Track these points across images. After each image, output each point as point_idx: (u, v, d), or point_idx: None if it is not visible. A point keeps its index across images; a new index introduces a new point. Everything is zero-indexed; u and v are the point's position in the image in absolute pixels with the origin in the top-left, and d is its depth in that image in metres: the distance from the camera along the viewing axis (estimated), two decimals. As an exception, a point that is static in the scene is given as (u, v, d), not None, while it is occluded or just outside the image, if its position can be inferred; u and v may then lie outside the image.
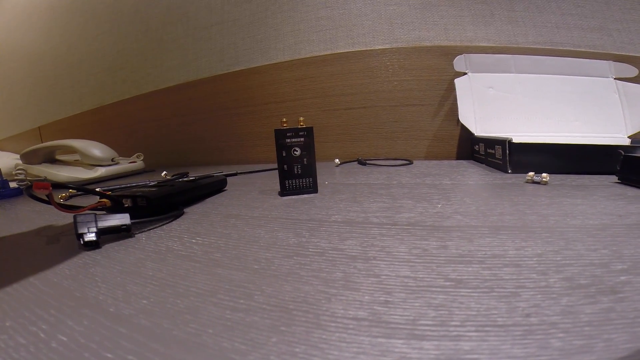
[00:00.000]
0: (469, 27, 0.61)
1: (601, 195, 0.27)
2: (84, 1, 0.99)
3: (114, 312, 0.13)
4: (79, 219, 0.21)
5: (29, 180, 0.24)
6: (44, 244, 0.24)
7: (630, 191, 0.28)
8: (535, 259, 0.15)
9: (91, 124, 1.02)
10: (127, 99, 0.93)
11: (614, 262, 0.15)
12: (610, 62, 0.56)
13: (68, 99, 1.08)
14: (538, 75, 0.57)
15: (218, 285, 0.15)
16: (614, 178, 0.32)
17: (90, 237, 0.21)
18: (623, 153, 0.31)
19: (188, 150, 0.86)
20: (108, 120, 0.98)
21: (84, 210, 0.25)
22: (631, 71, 0.55)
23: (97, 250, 0.21)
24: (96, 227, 0.22)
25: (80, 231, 0.21)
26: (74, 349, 0.11)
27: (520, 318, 0.11)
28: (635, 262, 0.14)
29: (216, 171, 0.55)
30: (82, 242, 0.21)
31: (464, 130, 0.58)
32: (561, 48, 0.58)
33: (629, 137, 0.52)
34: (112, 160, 0.65)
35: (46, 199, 0.23)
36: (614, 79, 0.55)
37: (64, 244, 0.23)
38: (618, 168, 0.31)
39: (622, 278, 0.13)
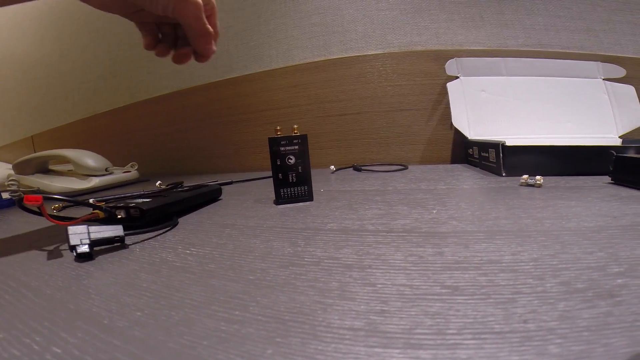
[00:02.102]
0: (459, 30, 0.61)
1: (595, 196, 0.27)
2: (76, 8, 0.99)
3: (108, 324, 0.13)
4: (71, 230, 0.21)
5: (22, 192, 0.24)
6: (36, 256, 0.23)
7: (624, 191, 0.28)
8: (531, 264, 0.15)
9: (84, 133, 1.01)
10: (121, 107, 0.92)
11: (610, 265, 0.15)
12: (599, 63, 0.57)
13: (61, 107, 1.07)
14: (529, 77, 0.57)
15: (213, 297, 0.15)
16: (607, 179, 0.32)
17: (84, 248, 0.21)
18: (615, 154, 0.31)
19: (183, 159, 0.85)
20: (102, 129, 0.97)
21: (77, 222, 0.24)
22: (619, 71, 0.56)
23: (90, 262, 0.21)
24: (89, 238, 0.21)
25: (73, 243, 0.21)
26: (66, 366, 0.11)
27: (517, 324, 0.11)
28: (632, 264, 0.15)
29: (211, 180, 0.54)
30: (75, 254, 0.21)
31: (458, 134, 0.59)
32: (550, 50, 0.59)
33: (620, 137, 0.53)
34: (106, 170, 0.64)
35: (38, 210, 0.23)
36: (603, 79, 0.56)
37: (57, 256, 0.23)
38: (611, 169, 0.32)
39: (619, 281, 0.13)
